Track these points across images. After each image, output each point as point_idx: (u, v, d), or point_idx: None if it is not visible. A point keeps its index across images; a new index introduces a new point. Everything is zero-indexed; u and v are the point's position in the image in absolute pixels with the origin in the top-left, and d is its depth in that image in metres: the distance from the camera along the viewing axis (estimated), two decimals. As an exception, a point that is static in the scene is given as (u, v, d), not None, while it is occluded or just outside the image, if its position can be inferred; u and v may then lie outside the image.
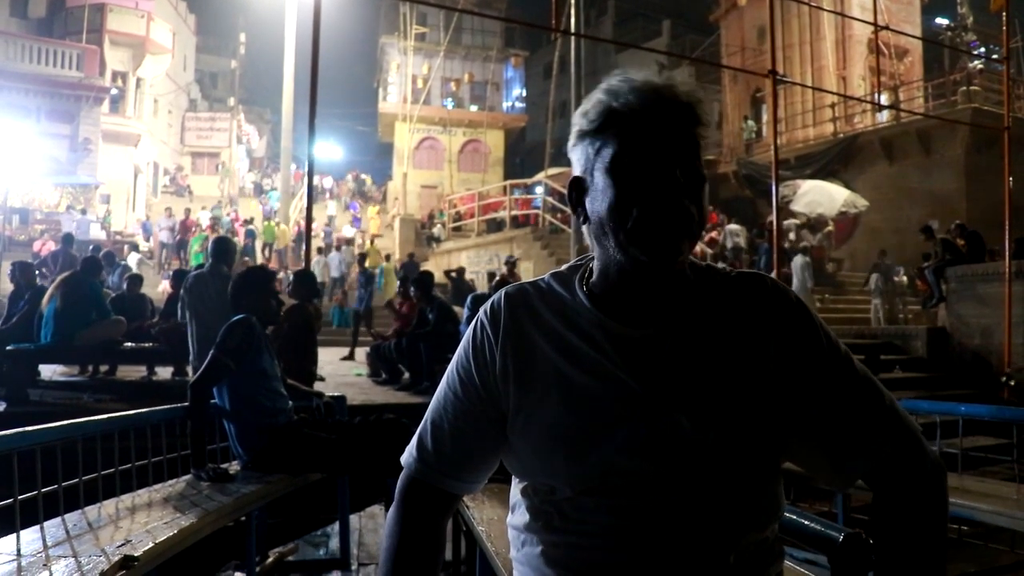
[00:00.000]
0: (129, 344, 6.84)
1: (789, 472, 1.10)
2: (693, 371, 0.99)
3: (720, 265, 1.11)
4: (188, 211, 22.32)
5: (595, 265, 1.06)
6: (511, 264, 14.00)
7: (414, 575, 1.09)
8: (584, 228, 1.05)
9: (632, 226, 0.95)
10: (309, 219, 6.26)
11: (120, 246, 20.54)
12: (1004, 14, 9.97)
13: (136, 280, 8.81)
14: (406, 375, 8.04)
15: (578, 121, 1.01)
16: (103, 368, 7.96)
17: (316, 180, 33.27)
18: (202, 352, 6.05)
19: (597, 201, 1.00)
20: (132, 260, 17.20)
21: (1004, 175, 9.37)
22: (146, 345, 6.96)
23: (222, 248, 6.61)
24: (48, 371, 7.47)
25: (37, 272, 9.25)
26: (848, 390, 1.02)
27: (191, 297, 6.22)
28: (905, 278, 15.08)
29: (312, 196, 6.49)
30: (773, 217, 8.15)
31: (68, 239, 12.64)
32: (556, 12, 7.00)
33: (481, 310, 1.12)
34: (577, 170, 1.04)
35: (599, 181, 0.99)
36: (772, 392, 0.99)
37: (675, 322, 1.01)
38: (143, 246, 20.98)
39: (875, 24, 11.70)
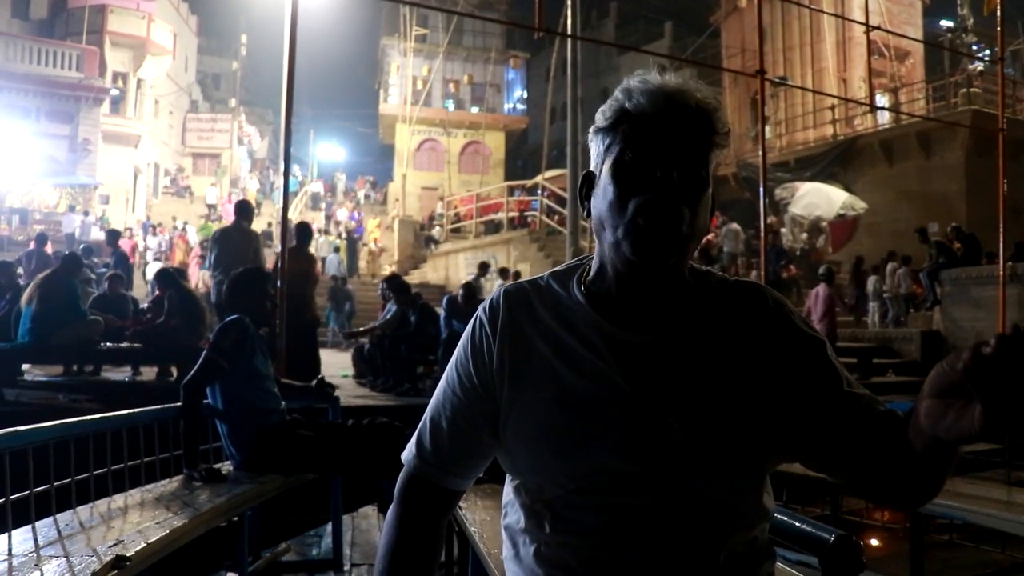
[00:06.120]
0: (107, 344, 6.79)
1: (782, 474, 1.11)
2: (685, 376, 0.99)
3: (717, 268, 1.11)
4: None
5: (593, 263, 1.07)
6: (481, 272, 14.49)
7: (411, 573, 1.09)
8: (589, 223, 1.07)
9: (626, 222, 0.96)
10: (285, 221, 6.24)
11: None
12: (999, 15, 9.94)
13: (117, 280, 8.74)
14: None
15: (597, 117, 1.04)
16: (87, 368, 7.80)
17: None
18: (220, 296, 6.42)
19: (599, 197, 1.01)
20: (152, 268, 17.15)
21: (999, 177, 9.34)
22: (123, 345, 6.92)
23: (244, 208, 8.03)
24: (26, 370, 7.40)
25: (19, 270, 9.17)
26: (841, 401, 0.99)
27: (219, 247, 7.49)
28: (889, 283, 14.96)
29: (287, 201, 6.55)
30: (761, 219, 8.12)
31: (42, 239, 12.58)
32: (539, 12, 6.94)
33: (480, 308, 1.13)
34: (592, 164, 1.06)
35: (603, 178, 1.01)
36: (763, 399, 0.99)
37: (671, 327, 1.02)
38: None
39: (867, 24, 11.66)
